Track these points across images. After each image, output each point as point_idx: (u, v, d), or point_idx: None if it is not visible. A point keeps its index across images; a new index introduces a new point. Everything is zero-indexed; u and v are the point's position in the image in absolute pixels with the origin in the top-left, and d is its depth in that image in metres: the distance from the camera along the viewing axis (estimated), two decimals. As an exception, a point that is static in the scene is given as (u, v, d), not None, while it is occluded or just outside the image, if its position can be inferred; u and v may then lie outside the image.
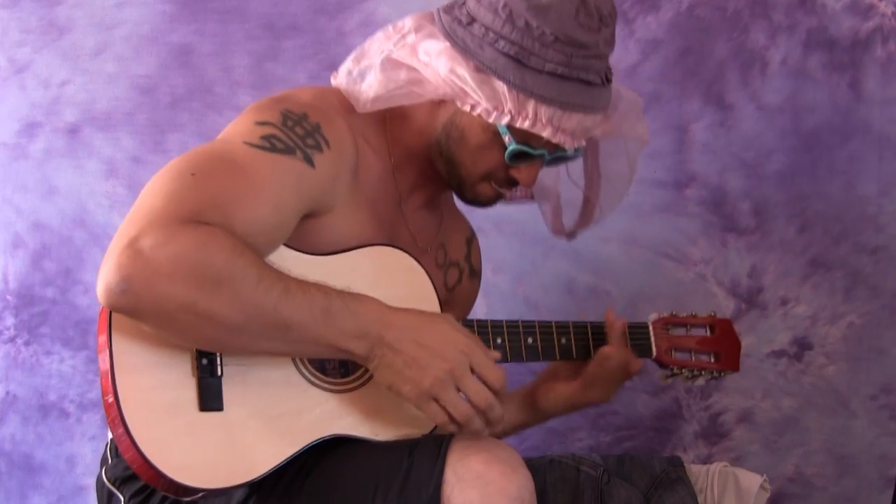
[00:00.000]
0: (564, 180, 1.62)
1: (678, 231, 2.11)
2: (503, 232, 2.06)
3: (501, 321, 1.48)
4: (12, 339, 2.16)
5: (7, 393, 2.16)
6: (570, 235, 1.66)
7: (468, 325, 1.44)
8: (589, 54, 1.38)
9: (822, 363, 2.10)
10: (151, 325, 1.21)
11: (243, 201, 1.24)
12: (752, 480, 1.67)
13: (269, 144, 1.30)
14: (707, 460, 2.09)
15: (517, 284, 2.10)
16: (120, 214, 2.14)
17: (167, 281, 1.16)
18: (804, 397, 2.10)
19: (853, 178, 2.07)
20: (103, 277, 1.16)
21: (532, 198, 1.64)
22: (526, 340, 1.49)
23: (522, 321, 1.50)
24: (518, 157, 1.42)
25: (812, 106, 2.08)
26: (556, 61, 1.36)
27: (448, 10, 1.42)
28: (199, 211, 1.20)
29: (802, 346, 2.10)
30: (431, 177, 1.50)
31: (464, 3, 1.41)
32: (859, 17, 2.06)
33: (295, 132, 1.33)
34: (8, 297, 2.16)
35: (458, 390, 1.28)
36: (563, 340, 1.54)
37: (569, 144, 1.42)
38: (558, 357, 1.54)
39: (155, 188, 1.23)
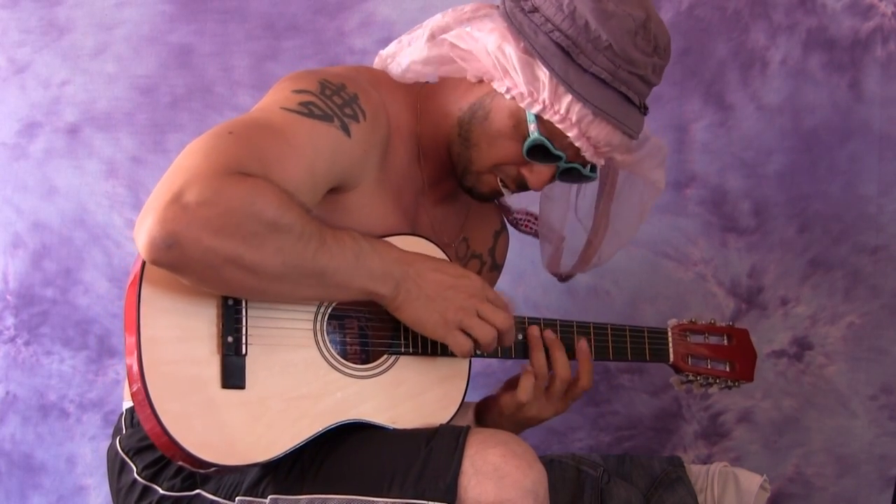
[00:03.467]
0: (571, 220, 1.63)
1: (678, 231, 2.11)
2: (503, 232, 2.06)
3: (555, 320, 1.52)
4: (12, 339, 2.16)
5: (7, 393, 2.17)
6: (564, 278, 1.68)
7: (519, 320, 1.49)
8: (635, 72, 1.39)
9: (822, 363, 2.10)
10: (195, 280, 1.23)
11: (280, 161, 1.26)
12: (752, 480, 1.67)
13: (307, 110, 1.32)
14: (707, 460, 2.09)
15: (517, 284, 2.10)
16: (120, 214, 2.14)
17: (214, 236, 1.17)
18: (804, 397, 2.10)
19: (853, 178, 2.07)
20: (146, 232, 1.16)
21: (537, 235, 1.64)
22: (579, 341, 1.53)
23: (577, 322, 1.54)
24: (536, 151, 1.42)
25: (812, 106, 2.08)
26: (602, 66, 1.37)
27: None
28: (240, 163, 1.21)
29: (802, 346, 2.10)
30: (453, 170, 1.51)
31: None
32: (859, 17, 2.06)
33: (333, 101, 1.35)
34: (8, 297, 2.16)
35: (478, 317, 1.37)
36: (619, 342, 1.57)
37: (590, 155, 1.43)
38: (612, 358, 1.57)
39: (193, 147, 1.23)
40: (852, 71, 2.07)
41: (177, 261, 1.18)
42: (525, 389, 1.48)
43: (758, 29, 2.08)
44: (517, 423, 1.53)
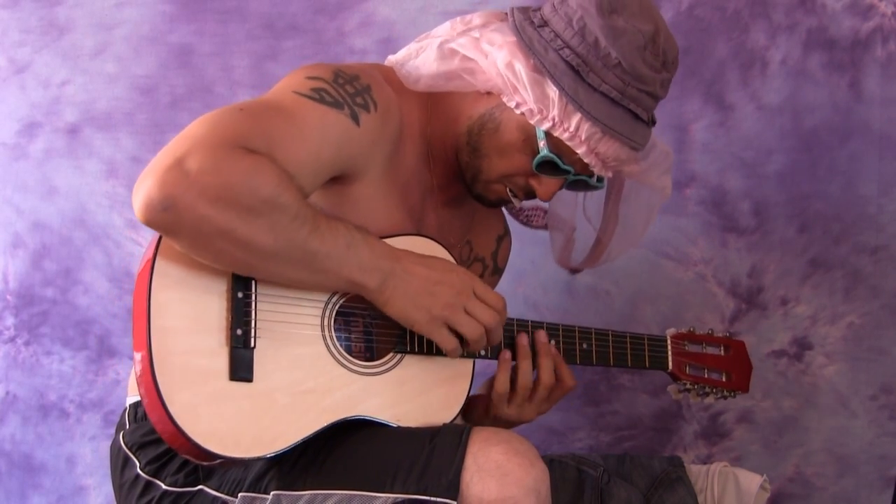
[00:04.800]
0: (580, 216, 1.63)
1: (678, 231, 2.11)
2: (503, 232, 2.06)
3: (558, 325, 1.52)
4: (12, 339, 2.16)
5: (7, 393, 2.17)
6: (574, 271, 1.68)
7: (522, 324, 1.50)
8: (644, 89, 1.40)
9: (822, 363, 2.10)
10: (185, 246, 1.24)
11: (287, 141, 1.27)
12: (752, 480, 1.67)
13: (319, 96, 1.33)
14: (707, 460, 2.09)
15: (517, 284, 2.10)
16: (120, 214, 2.14)
17: (210, 205, 1.18)
18: (804, 397, 2.10)
19: (853, 178, 2.08)
20: (144, 192, 1.18)
21: (547, 227, 1.65)
22: (581, 345, 1.54)
23: (579, 326, 1.54)
24: (545, 166, 1.43)
25: (812, 106, 2.08)
26: (612, 84, 1.38)
27: (523, 10, 1.44)
28: (245, 139, 1.23)
29: (802, 346, 2.10)
30: (461, 174, 1.51)
31: (539, 8, 1.43)
32: (859, 17, 2.06)
33: (345, 89, 1.36)
34: (8, 297, 2.16)
35: (466, 313, 1.36)
36: (620, 349, 1.58)
37: (598, 169, 1.44)
38: (612, 364, 1.57)
39: (202, 119, 1.26)
40: (852, 71, 2.07)
41: (171, 224, 1.19)
42: (501, 381, 1.48)
43: (758, 29, 2.08)
44: (499, 423, 1.52)
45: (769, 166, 2.09)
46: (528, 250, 2.06)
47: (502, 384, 1.48)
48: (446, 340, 1.36)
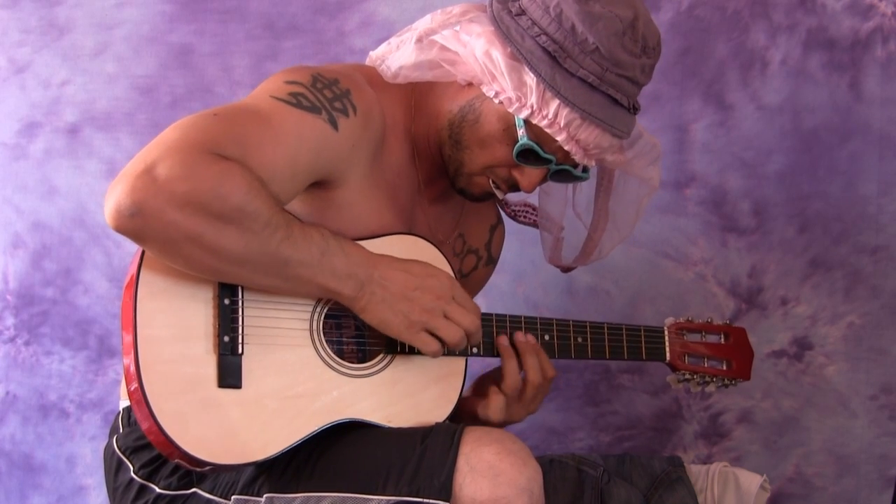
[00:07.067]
0: (569, 216, 1.63)
1: (678, 231, 2.11)
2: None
3: (551, 319, 1.52)
4: (12, 339, 2.16)
5: (7, 393, 2.17)
6: (566, 269, 1.67)
7: (515, 320, 1.49)
8: (623, 74, 1.38)
9: (822, 363, 2.10)
10: (155, 251, 1.24)
11: (262, 146, 1.27)
12: (752, 480, 1.67)
13: (296, 101, 1.32)
14: (707, 460, 2.09)
15: (517, 284, 2.10)
16: (120, 214, 2.14)
17: (178, 211, 1.19)
18: (804, 397, 2.10)
19: (853, 178, 2.08)
20: (114, 199, 1.18)
21: (536, 225, 1.64)
22: (576, 339, 1.53)
23: (574, 321, 1.54)
24: (526, 154, 1.42)
25: (812, 106, 2.08)
26: (589, 69, 1.37)
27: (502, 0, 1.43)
28: (218, 144, 1.22)
29: (802, 346, 2.10)
30: (446, 168, 1.51)
31: None
32: (859, 17, 2.06)
33: (323, 94, 1.35)
34: (8, 297, 2.16)
35: (445, 318, 1.36)
36: (616, 341, 1.57)
37: (580, 158, 1.43)
38: (608, 357, 1.57)
39: (176, 124, 1.25)
40: (852, 71, 2.07)
41: (138, 230, 1.20)
42: (496, 410, 1.48)
43: (758, 29, 2.08)
44: (489, 425, 1.50)
45: (769, 166, 2.09)
46: (528, 250, 2.06)
47: (497, 413, 1.47)
48: (426, 344, 1.36)
